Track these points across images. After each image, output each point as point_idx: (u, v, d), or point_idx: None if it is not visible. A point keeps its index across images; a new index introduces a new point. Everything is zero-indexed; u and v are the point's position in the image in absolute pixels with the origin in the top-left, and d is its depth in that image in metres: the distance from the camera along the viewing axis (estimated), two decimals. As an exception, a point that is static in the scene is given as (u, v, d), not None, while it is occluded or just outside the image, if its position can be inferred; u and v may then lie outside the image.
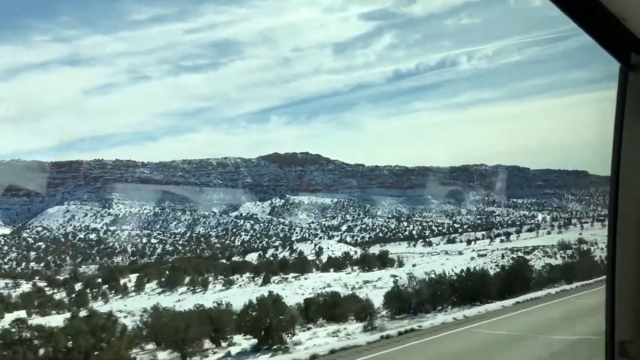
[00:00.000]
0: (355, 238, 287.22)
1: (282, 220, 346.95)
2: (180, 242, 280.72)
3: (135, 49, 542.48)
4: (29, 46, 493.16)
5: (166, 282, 79.49)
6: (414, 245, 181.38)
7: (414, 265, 74.41)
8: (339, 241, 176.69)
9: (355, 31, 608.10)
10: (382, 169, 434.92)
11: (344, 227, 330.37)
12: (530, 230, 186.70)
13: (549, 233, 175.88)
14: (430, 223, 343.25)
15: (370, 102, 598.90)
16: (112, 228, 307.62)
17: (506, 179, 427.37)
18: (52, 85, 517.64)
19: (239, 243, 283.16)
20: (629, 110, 1.88)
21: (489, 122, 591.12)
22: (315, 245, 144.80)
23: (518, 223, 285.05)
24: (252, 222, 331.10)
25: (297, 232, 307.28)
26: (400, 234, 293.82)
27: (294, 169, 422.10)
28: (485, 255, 78.42)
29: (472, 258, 75.44)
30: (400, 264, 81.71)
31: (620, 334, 1.95)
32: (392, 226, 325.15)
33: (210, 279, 78.79)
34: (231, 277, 78.05)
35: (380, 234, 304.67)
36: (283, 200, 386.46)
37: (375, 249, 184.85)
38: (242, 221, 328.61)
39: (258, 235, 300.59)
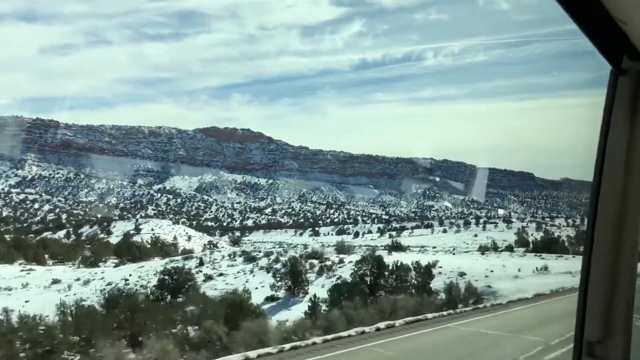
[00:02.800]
0: (271, 220, 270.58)
1: (206, 197, 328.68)
2: (75, 212, 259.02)
3: (96, 11, 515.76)
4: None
5: None
6: (301, 235, 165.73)
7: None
8: (190, 226, 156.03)
9: (324, 15, 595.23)
10: (325, 154, 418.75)
11: (268, 210, 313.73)
12: (427, 226, 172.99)
13: (444, 232, 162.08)
14: (361, 212, 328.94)
15: (335, 88, 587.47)
16: (14, 190, 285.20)
17: (451, 175, 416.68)
18: (5, 40, 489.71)
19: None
20: (617, 114, 1.89)
21: (450, 119, 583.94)
22: (137, 225, 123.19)
23: (441, 218, 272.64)
24: (171, 196, 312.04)
25: (211, 211, 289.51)
26: (319, 221, 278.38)
27: (232, 145, 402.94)
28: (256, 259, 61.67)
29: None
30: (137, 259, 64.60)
31: (589, 334, 1.99)
32: (318, 212, 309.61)
33: None
34: None
35: (303, 220, 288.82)
36: (216, 177, 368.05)
37: (257, 236, 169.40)
38: (159, 195, 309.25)
39: (170, 211, 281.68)
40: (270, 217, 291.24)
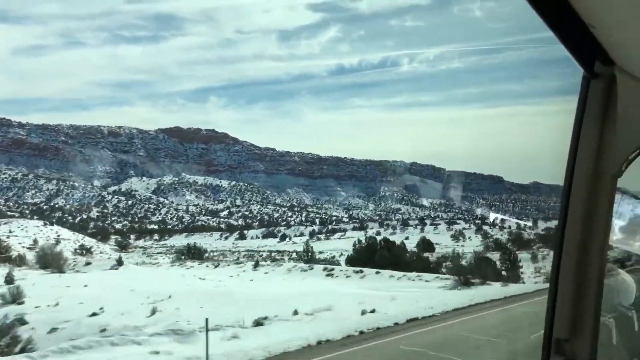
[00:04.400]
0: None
1: (162, 199, 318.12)
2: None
3: (70, 12, 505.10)
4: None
5: None
6: (226, 239, 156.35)
7: None
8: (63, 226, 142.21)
9: (301, 20, 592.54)
10: (293, 156, 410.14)
11: (224, 213, 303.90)
12: (362, 228, 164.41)
13: (378, 234, 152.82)
14: (322, 215, 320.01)
15: (312, 93, 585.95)
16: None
17: (420, 178, 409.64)
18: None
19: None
20: (589, 117, 1.90)
21: (424, 125, 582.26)
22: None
23: (406, 221, 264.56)
24: (123, 198, 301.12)
25: (160, 214, 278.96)
26: (274, 224, 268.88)
27: (196, 145, 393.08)
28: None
29: None
30: None
31: (557, 332, 2.04)
32: (276, 215, 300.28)
33: None
34: None
35: (259, 222, 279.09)
36: (176, 179, 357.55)
37: (174, 240, 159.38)
38: (111, 197, 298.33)
39: (116, 213, 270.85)
40: (225, 220, 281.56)
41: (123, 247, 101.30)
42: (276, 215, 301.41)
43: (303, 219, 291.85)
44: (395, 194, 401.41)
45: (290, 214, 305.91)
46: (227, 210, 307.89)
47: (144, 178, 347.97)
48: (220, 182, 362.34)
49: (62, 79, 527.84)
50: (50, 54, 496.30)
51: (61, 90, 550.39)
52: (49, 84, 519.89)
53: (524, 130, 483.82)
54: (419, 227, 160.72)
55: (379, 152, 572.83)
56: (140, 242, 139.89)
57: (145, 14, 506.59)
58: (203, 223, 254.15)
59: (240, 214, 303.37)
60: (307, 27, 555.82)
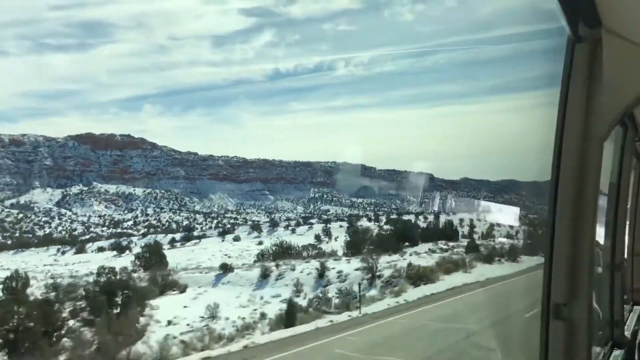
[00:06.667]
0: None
1: (63, 211, 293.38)
2: None
3: None
4: None
5: None
6: (63, 254, 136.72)
7: None
8: None
9: (234, 25, 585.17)
10: (216, 160, 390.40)
11: (130, 223, 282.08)
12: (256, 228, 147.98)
13: (237, 239, 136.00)
14: (241, 221, 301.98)
15: (250, 98, 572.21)
16: None
17: (351, 177, 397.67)
18: None
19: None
20: (575, 83, 1.91)
21: (361, 127, 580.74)
22: None
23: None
24: (16, 211, 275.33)
25: (50, 227, 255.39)
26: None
27: (109, 152, 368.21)
28: None
29: None
30: None
31: (555, 298, 2.11)
32: (185, 223, 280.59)
33: None
34: None
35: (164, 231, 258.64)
36: (86, 188, 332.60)
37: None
38: (1, 210, 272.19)
39: None
40: (124, 230, 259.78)
41: None
42: (185, 223, 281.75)
43: (213, 225, 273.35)
44: (325, 195, 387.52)
45: (200, 220, 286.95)
46: (133, 220, 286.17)
47: (49, 189, 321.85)
48: (134, 190, 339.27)
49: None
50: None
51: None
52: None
53: (459, 130, 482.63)
54: (290, 228, 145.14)
55: (315, 154, 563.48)
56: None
57: (71, 21, 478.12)
58: (93, 235, 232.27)
59: (147, 224, 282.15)
60: (241, 32, 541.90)
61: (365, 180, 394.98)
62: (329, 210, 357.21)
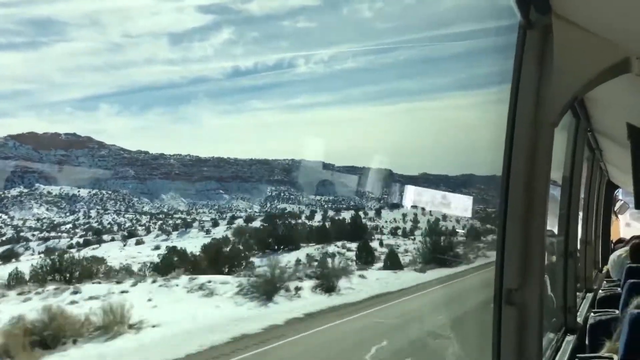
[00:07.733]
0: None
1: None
2: None
3: None
4: None
5: None
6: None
7: None
8: None
9: (191, 23, 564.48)
10: (168, 158, 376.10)
11: (67, 226, 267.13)
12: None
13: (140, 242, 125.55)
14: (187, 220, 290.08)
15: (209, 97, 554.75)
16: None
17: (309, 175, 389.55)
18: None
19: None
20: (526, 69, 1.93)
21: (323, 125, 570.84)
22: None
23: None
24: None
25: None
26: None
27: (54, 152, 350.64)
28: None
29: None
30: None
31: (507, 283, 2.16)
32: (128, 224, 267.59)
33: None
34: None
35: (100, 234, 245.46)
36: (26, 190, 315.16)
37: None
38: None
39: None
40: (61, 234, 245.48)
41: None
42: (128, 224, 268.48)
43: (157, 227, 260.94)
44: (282, 194, 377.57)
45: (144, 221, 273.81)
46: (73, 223, 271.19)
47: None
48: (79, 191, 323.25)
49: None
50: None
51: None
52: None
53: (418, 125, 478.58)
54: (204, 229, 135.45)
55: (274, 152, 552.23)
56: None
57: (20, 18, 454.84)
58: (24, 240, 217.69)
59: (87, 226, 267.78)
60: (199, 29, 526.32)
61: (324, 177, 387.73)
62: (285, 209, 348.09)
